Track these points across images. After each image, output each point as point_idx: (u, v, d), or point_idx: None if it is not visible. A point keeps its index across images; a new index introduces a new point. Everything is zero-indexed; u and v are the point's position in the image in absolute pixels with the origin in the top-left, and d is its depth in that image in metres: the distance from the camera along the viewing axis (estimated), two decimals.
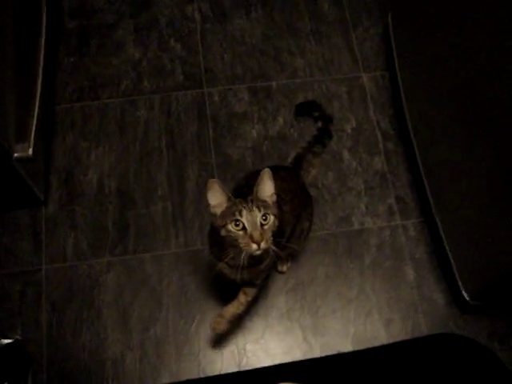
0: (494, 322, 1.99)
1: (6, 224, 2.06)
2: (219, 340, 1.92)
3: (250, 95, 2.31)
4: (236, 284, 1.68)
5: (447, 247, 1.95)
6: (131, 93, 2.31)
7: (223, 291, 1.82)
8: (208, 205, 1.47)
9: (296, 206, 1.72)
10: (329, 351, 1.93)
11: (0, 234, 2.05)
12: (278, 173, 1.47)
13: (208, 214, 2.02)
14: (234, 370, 1.89)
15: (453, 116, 1.82)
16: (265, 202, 1.45)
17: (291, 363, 1.66)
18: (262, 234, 1.41)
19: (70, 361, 1.89)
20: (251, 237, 1.41)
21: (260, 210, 1.42)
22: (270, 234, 1.44)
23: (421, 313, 1.99)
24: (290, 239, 1.74)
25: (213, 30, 2.44)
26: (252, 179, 1.64)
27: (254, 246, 1.41)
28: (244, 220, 1.41)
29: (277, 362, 1.90)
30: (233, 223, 1.42)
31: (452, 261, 1.93)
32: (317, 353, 1.93)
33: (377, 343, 1.93)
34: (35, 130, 1.82)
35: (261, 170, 1.51)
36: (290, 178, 1.75)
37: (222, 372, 1.88)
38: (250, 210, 1.41)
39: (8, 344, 1.68)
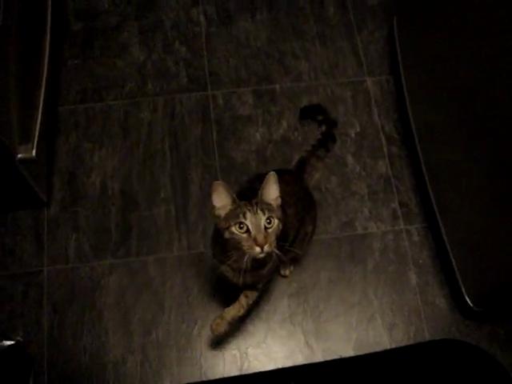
0: (497, 327, 1.98)
1: (9, 225, 2.06)
2: (221, 343, 1.92)
3: (255, 98, 2.30)
4: (238, 287, 1.68)
5: (450, 253, 1.95)
6: (135, 95, 2.31)
7: (226, 295, 1.82)
8: (213, 207, 1.46)
9: (300, 209, 1.72)
10: (331, 356, 1.92)
11: (2, 235, 2.04)
12: (282, 176, 1.47)
13: (211, 217, 2.03)
14: (236, 373, 1.89)
15: (457, 120, 1.82)
16: (269, 205, 1.45)
17: (293, 367, 1.66)
18: (265, 237, 1.41)
19: (71, 363, 1.89)
20: (255, 240, 1.40)
21: (264, 213, 1.41)
22: (273, 238, 1.43)
23: (423, 318, 1.98)
24: (293, 243, 1.74)
25: (218, 32, 2.43)
26: (256, 182, 1.64)
27: (258, 249, 1.41)
28: (248, 223, 1.41)
29: (278, 366, 1.90)
30: (237, 225, 1.42)
31: (455, 266, 1.93)
32: (319, 357, 1.92)
33: (379, 348, 1.92)
34: (39, 132, 1.81)
35: (265, 174, 1.50)
36: (294, 182, 1.75)
37: (224, 376, 1.88)
38: (255, 213, 1.41)
39: (10, 346, 1.68)
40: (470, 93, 1.72)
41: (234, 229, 1.42)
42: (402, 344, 1.95)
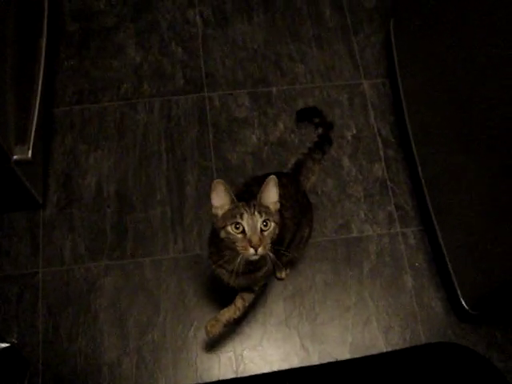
0: (493, 331, 1.98)
1: (4, 226, 2.05)
2: (217, 346, 1.92)
3: (251, 100, 2.30)
4: (234, 289, 1.68)
5: (446, 256, 1.95)
6: (131, 96, 2.30)
7: (221, 297, 1.81)
8: (211, 205, 1.46)
9: (297, 212, 1.72)
10: (326, 359, 1.92)
11: None
12: (279, 179, 1.47)
13: (207, 218, 2.04)
14: (231, 376, 1.88)
15: (454, 124, 1.82)
16: (267, 208, 1.45)
17: (288, 370, 1.66)
18: (260, 240, 1.41)
19: (66, 365, 1.88)
20: (249, 241, 1.41)
21: (261, 216, 1.42)
22: (268, 241, 1.43)
23: (419, 321, 1.99)
24: (289, 246, 1.74)
25: (214, 34, 2.43)
26: (253, 185, 1.64)
27: (252, 251, 1.41)
28: (244, 223, 1.41)
29: (274, 368, 1.90)
30: (233, 225, 1.42)
31: (451, 269, 1.93)
32: (314, 360, 1.92)
33: (375, 351, 1.92)
34: (34, 133, 1.81)
35: (262, 176, 1.50)
36: (291, 185, 1.75)
37: (220, 378, 1.88)
38: (252, 215, 1.41)
39: (4, 348, 1.67)
40: (467, 96, 1.73)
41: (230, 228, 1.43)
42: (398, 347, 1.95)
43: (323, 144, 2.02)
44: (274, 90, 2.34)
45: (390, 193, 2.16)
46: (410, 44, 2.15)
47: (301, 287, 2.01)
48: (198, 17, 2.47)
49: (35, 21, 2.02)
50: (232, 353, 1.91)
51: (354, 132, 2.27)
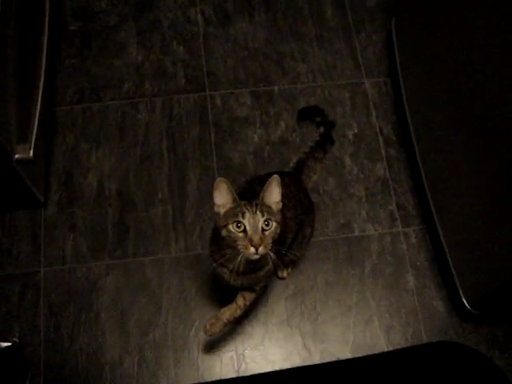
0: (494, 330, 1.98)
1: (6, 225, 2.05)
2: (218, 345, 1.92)
3: (253, 99, 2.30)
4: (236, 289, 1.68)
5: (448, 255, 1.95)
6: (133, 95, 2.30)
7: (223, 296, 1.81)
8: (213, 203, 1.46)
9: (299, 212, 1.72)
10: (328, 358, 1.92)
11: None
12: (281, 179, 1.47)
13: (209, 217, 2.04)
14: (233, 375, 1.88)
15: (456, 123, 1.82)
16: (270, 208, 1.45)
17: (290, 369, 1.66)
18: (261, 239, 1.41)
19: (67, 364, 1.88)
20: (250, 240, 1.40)
21: (263, 215, 1.41)
22: (270, 241, 1.43)
23: (421, 320, 1.98)
24: (291, 246, 1.74)
25: (216, 33, 2.43)
26: (255, 184, 1.64)
27: (252, 250, 1.41)
28: (246, 222, 1.41)
29: (276, 368, 1.90)
30: (234, 224, 1.42)
31: (453, 269, 1.93)
32: (316, 359, 1.92)
33: (376, 350, 1.92)
34: (36, 132, 1.81)
35: (264, 175, 1.50)
36: (293, 185, 1.75)
37: (221, 378, 1.87)
38: (253, 214, 1.41)
39: (6, 347, 1.67)
40: (469, 95, 1.73)
41: (231, 227, 1.43)
42: (399, 346, 1.95)
43: (325, 143, 2.02)
44: (276, 89, 2.33)
45: (392, 192, 2.16)
46: (411, 43, 2.15)
47: (302, 286, 2.01)
48: (199, 16, 2.47)
49: (36, 20, 2.02)
50: (234, 352, 1.91)
51: (356, 131, 2.26)
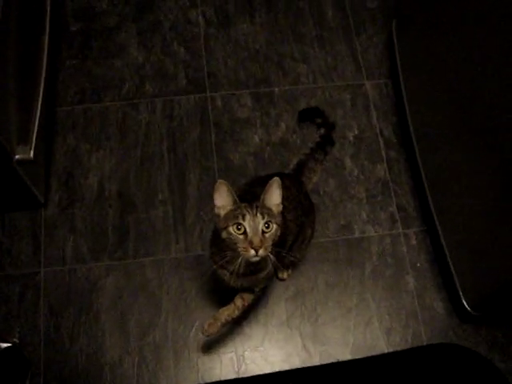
0: (495, 332, 1.98)
1: (6, 226, 2.05)
2: (218, 347, 1.92)
3: (253, 101, 2.30)
4: (236, 290, 1.68)
5: (448, 256, 1.95)
6: (133, 96, 2.30)
7: (223, 297, 1.81)
8: (213, 205, 1.46)
9: (299, 214, 1.72)
10: (328, 359, 1.92)
11: None
12: (282, 181, 1.47)
13: (209, 218, 2.04)
14: (233, 377, 1.88)
15: (456, 125, 1.82)
16: (270, 210, 1.45)
17: (290, 371, 1.66)
18: (261, 241, 1.41)
19: (67, 365, 1.88)
20: (251, 242, 1.41)
21: (264, 217, 1.41)
22: (270, 243, 1.43)
23: (421, 322, 1.98)
24: (292, 247, 1.74)
25: (216, 34, 2.43)
26: (256, 186, 1.64)
27: (252, 252, 1.41)
28: (246, 225, 1.41)
29: (276, 369, 1.90)
30: (235, 226, 1.42)
31: (453, 270, 1.93)
32: (316, 361, 1.92)
33: (376, 352, 1.92)
34: (37, 132, 1.81)
35: (264, 176, 1.50)
36: (293, 186, 1.75)
37: (221, 379, 1.87)
38: (254, 216, 1.41)
39: (6, 348, 1.67)
40: (469, 97, 1.73)
41: (231, 229, 1.43)
42: (399, 348, 1.94)
43: (325, 144, 2.02)
44: (276, 90, 2.33)
45: (392, 193, 2.16)
46: (412, 44, 2.15)
47: (302, 288, 2.01)
48: (200, 17, 2.47)
49: (37, 20, 2.02)
50: (233, 353, 1.91)
51: (356, 132, 2.26)
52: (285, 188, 1.52)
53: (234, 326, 1.93)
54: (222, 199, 1.46)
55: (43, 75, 1.92)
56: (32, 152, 1.77)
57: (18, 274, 1.99)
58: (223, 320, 1.66)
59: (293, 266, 1.99)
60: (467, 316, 1.93)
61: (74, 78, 2.32)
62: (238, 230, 1.42)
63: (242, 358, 1.91)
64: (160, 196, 2.12)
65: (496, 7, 1.54)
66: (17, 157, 1.75)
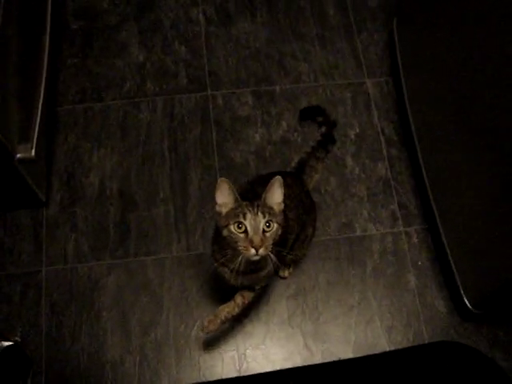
0: (496, 330, 1.98)
1: (7, 225, 2.05)
2: (219, 345, 1.92)
3: (254, 99, 2.30)
4: (237, 289, 1.68)
5: (450, 255, 1.94)
6: (134, 95, 2.30)
7: (224, 296, 1.81)
8: (215, 203, 1.47)
9: (301, 213, 1.72)
10: (329, 358, 1.92)
11: (1, 235, 2.04)
12: (284, 179, 1.47)
13: (211, 217, 2.04)
14: (234, 375, 1.88)
15: (457, 123, 1.82)
16: (271, 209, 1.45)
17: (291, 369, 1.66)
18: (262, 240, 1.41)
19: (69, 363, 1.88)
20: (251, 241, 1.41)
21: (265, 216, 1.42)
22: (270, 242, 1.44)
23: (422, 320, 1.98)
24: (293, 246, 1.74)
25: (217, 33, 2.43)
26: (257, 184, 1.64)
27: (253, 251, 1.41)
28: (247, 223, 1.41)
29: (277, 367, 1.90)
30: (235, 225, 1.42)
31: (454, 268, 1.93)
32: (317, 359, 1.92)
33: (378, 350, 1.92)
34: (38, 131, 1.80)
35: (265, 175, 1.49)
36: (295, 185, 1.75)
37: (222, 377, 1.88)
38: (255, 215, 1.41)
39: (8, 346, 1.67)
40: (470, 94, 1.72)
41: (232, 228, 1.43)
42: (401, 346, 1.94)
43: (326, 143, 2.02)
44: (278, 88, 2.33)
45: (394, 192, 2.16)
46: (413, 43, 2.15)
47: (304, 286, 2.01)
48: (201, 15, 2.47)
49: (38, 19, 2.02)
50: (235, 352, 1.91)
51: (358, 131, 2.26)
52: (286, 186, 1.52)
53: (236, 324, 1.93)
54: (224, 197, 1.46)
55: (44, 74, 1.92)
56: (33, 151, 1.77)
57: (19, 273, 1.99)
58: (223, 317, 1.66)
59: (294, 264, 1.99)
60: (468, 314, 1.93)
61: (75, 76, 2.33)
62: (239, 228, 1.42)
63: (243, 356, 1.91)
64: (161, 195, 2.12)
65: (497, 5, 1.54)
66: (18, 155, 1.75)
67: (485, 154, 1.68)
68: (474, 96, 1.70)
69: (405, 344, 1.95)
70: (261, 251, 1.41)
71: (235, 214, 1.43)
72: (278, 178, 1.44)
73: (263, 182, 1.53)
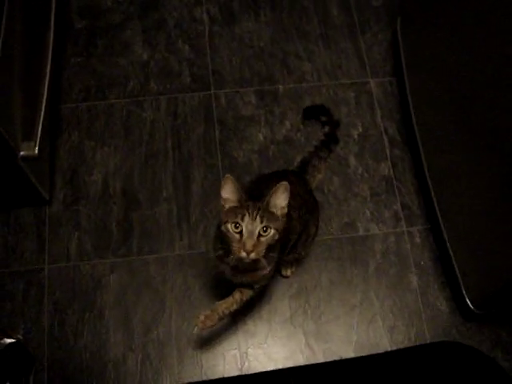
0: (498, 330, 1.98)
1: (11, 222, 2.06)
2: (221, 343, 1.92)
3: (257, 98, 2.30)
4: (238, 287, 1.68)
5: (452, 255, 1.94)
6: (138, 94, 2.30)
7: (227, 294, 1.81)
8: (220, 196, 1.47)
9: (304, 212, 1.72)
10: (331, 357, 1.92)
11: (4, 233, 2.04)
12: (288, 178, 1.47)
13: (213, 216, 2.04)
14: (236, 373, 1.88)
15: (461, 123, 1.82)
16: (272, 214, 1.45)
17: (293, 368, 1.65)
18: (254, 245, 1.42)
19: (71, 361, 1.88)
20: (244, 244, 1.42)
21: (262, 222, 1.42)
22: (264, 247, 1.44)
23: (424, 320, 1.98)
24: (296, 245, 1.74)
25: (221, 32, 2.43)
26: (261, 183, 1.64)
27: (244, 254, 1.43)
28: (243, 225, 1.42)
29: (279, 366, 1.90)
30: (233, 224, 1.43)
31: (456, 268, 1.93)
32: (319, 358, 1.92)
33: (380, 350, 1.92)
34: (41, 129, 1.81)
35: (270, 174, 1.48)
36: (299, 184, 1.75)
37: (224, 375, 1.88)
38: (253, 219, 1.42)
39: (10, 344, 1.67)
40: (473, 95, 1.72)
41: (229, 226, 1.44)
42: (403, 346, 1.94)
43: (329, 142, 2.02)
44: (281, 88, 2.34)
45: (396, 191, 2.16)
46: (416, 43, 2.15)
47: (306, 285, 2.01)
48: (205, 14, 2.47)
49: (42, 18, 2.02)
50: (237, 350, 1.92)
51: (361, 130, 2.26)
52: (291, 184, 1.53)
53: (238, 323, 1.94)
54: (227, 193, 1.47)
55: (48, 72, 1.92)
56: (37, 149, 1.77)
57: (22, 271, 1.99)
58: (220, 313, 1.65)
59: (296, 263, 1.99)
60: (471, 314, 1.93)
61: (79, 75, 2.33)
62: (236, 228, 1.43)
63: (245, 355, 1.91)
64: (164, 193, 2.13)
65: (501, 6, 1.54)
66: (21, 153, 1.76)
67: (488, 155, 1.68)
68: (477, 96, 1.70)
69: (406, 344, 1.95)
70: (252, 255, 1.42)
71: (235, 214, 1.43)
72: (284, 184, 1.44)
73: (267, 180, 1.53)
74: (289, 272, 1.99)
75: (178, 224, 2.08)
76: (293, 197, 1.62)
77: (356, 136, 2.25)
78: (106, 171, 2.15)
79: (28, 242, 2.03)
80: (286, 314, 1.97)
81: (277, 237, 1.46)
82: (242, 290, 1.68)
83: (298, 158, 2.03)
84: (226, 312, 1.66)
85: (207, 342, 1.92)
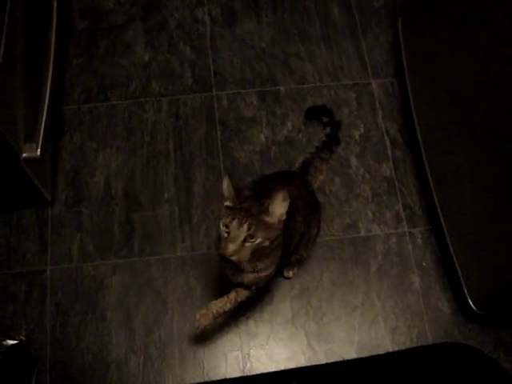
0: (500, 331, 1.97)
1: (13, 224, 2.06)
2: (223, 345, 1.92)
3: (259, 99, 2.30)
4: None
5: (454, 255, 1.94)
6: (139, 95, 2.31)
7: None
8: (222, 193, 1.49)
9: (307, 213, 1.72)
10: (333, 358, 1.92)
11: (6, 234, 2.04)
12: (291, 179, 1.48)
13: (215, 217, 2.04)
14: (238, 375, 1.88)
15: (462, 124, 1.82)
16: (265, 222, 1.45)
17: (295, 369, 1.66)
18: (236, 251, 1.43)
19: (73, 363, 1.89)
20: (226, 246, 1.43)
21: (250, 229, 1.42)
22: (247, 252, 1.45)
23: (426, 321, 1.98)
24: (298, 246, 1.74)
25: (222, 33, 2.43)
26: (264, 183, 1.65)
27: (225, 254, 1.44)
28: (231, 228, 1.43)
29: (281, 367, 1.90)
30: (224, 225, 1.45)
31: (458, 269, 1.93)
32: (321, 359, 1.92)
33: (381, 351, 1.92)
34: (43, 131, 1.81)
35: (269, 175, 1.49)
36: (301, 186, 1.75)
37: (226, 377, 1.88)
38: (241, 225, 1.42)
39: (12, 345, 1.68)
40: (475, 96, 1.72)
41: (221, 224, 1.46)
42: (405, 347, 1.94)
43: (331, 143, 2.02)
44: (282, 89, 2.34)
45: (398, 192, 2.16)
46: (418, 44, 2.15)
47: (308, 286, 2.01)
48: (206, 16, 2.47)
49: (44, 19, 2.03)
50: (239, 351, 1.92)
51: (362, 131, 2.26)
52: (294, 186, 1.53)
53: (240, 324, 1.94)
54: (224, 192, 1.48)
55: (50, 74, 1.92)
56: (39, 150, 1.78)
57: (24, 272, 1.99)
58: (215, 312, 1.65)
59: (298, 264, 1.99)
60: (473, 315, 1.93)
61: (81, 76, 2.33)
62: (226, 227, 1.45)
63: (247, 356, 1.91)
64: (166, 194, 2.13)
65: (502, 7, 1.54)
66: (24, 155, 1.76)
67: (490, 155, 1.68)
68: (479, 97, 1.70)
69: (408, 345, 1.95)
70: (233, 258, 1.44)
71: (227, 214, 1.45)
72: (282, 192, 1.44)
73: (272, 181, 1.53)
74: (291, 273, 1.99)
75: (180, 225, 2.08)
76: (297, 198, 1.63)
77: (357, 137, 2.25)
78: (107, 172, 2.16)
79: (30, 243, 2.04)
80: (287, 315, 1.97)
81: (266, 244, 1.46)
82: (237, 290, 1.69)
83: (300, 159, 2.03)
84: (221, 311, 1.67)
85: (209, 343, 1.92)
